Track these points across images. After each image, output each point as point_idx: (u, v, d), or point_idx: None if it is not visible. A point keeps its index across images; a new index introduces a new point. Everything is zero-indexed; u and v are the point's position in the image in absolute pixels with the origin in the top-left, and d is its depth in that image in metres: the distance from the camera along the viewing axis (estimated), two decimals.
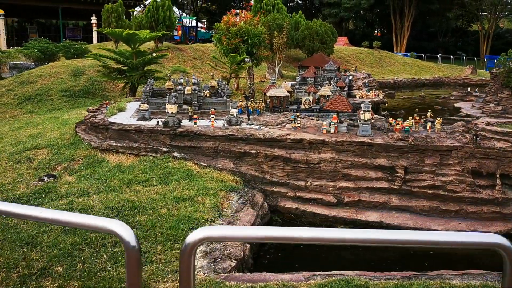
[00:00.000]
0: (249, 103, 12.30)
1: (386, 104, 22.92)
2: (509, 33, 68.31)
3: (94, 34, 50.08)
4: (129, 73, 16.93)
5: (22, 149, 11.31)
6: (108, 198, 8.88)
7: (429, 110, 19.92)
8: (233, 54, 18.52)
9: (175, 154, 10.63)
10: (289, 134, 10.43)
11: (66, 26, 65.43)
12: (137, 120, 11.51)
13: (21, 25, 68.93)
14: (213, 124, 11.04)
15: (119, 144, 10.77)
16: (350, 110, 10.26)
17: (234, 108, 11.31)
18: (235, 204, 9.17)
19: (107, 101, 13.28)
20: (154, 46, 26.60)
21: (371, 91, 23.20)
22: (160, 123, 10.95)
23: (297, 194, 10.09)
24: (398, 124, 10.37)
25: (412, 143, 9.85)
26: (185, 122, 11.43)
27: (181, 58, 26.40)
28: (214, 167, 10.40)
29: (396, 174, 9.86)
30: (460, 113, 23.38)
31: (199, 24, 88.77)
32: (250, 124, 11.42)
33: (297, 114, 10.80)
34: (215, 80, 14.10)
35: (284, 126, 11.22)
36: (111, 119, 11.69)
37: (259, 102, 12.30)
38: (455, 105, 25.64)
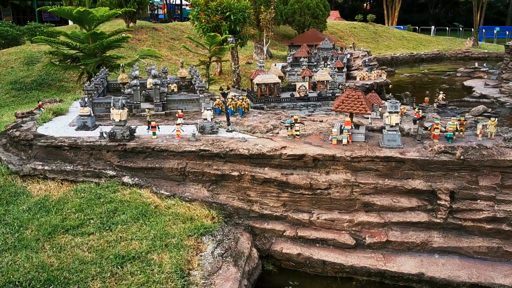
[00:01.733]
0: (230, 99, 9.02)
1: (390, 86, 19.71)
2: (500, 1, 64.77)
3: None
4: (84, 61, 13.53)
5: None
6: (14, 262, 5.69)
7: (440, 92, 16.82)
8: (212, 33, 15.08)
9: (126, 179, 7.40)
10: (284, 147, 7.23)
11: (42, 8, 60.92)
12: (77, 129, 8.22)
13: None
14: (178, 135, 7.78)
15: (47, 167, 7.50)
16: (369, 112, 7.09)
17: (208, 109, 8.05)
18: (209, 260, 6.04)
19: (41, 102, 9.93)
20: (126, 26, 22.98)
21: (372, 71, 19.97)
22: (105, 134, 7.67)
23: (299, 233, 6.97)
24: (437, 128, 7.16)
25: (461, 157, 6.70)
26: (144, 129, 8.18)
27: (156, 39, 22.86)
28: (181, 197, 7.21)
29: (438, 201, 6.75)
30: (474, 93, 20.16)
31: (184, 2, 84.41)
32: (231, 131, 8.19)
33: (295, 117, 7.58)
34: (186, 69, 10.78)
35: (277, 133, 7.99)
36: (42, 128, 8.38)
37: (242, 99, 9.04)
38: (464, 83, 22.30)
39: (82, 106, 8.25)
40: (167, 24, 27.81)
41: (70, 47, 13.80)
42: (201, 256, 6.14)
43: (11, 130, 8.22)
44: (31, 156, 7.76)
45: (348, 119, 7.29)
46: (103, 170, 7.47)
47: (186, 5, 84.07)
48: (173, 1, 77.82)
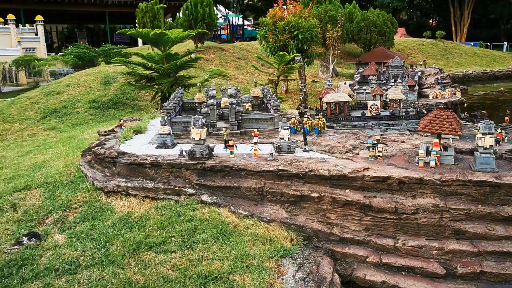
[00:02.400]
0: (305, 119, 8.89)
1: (465, 105, 18.82)
2: None
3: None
4: (159, 81, 13.93)
5: (11, 190, 8.44)
6: (101, 277, 5.80)
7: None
8: (281, 53, 15.12)
9: (205, 197, 7.41)
10: (367, 168, 6.97)
11: (114, 30, 64.19)
12: (157, 147, 8.38)
13: (71, 31, 68.38)
14: (256, 154, 7.73)
15: (129, 184, 7.67)
16: (460, 133, 6.69)
17: (285, 128, 7.95)
18: (291, 284, 5.87)
19: (122, 120, 10.24)
20: (194, 47, 23.62)
21: (446, 89, 19.17)
22: (184, 153, 7.76)
23: (383, 259, 6.63)
24: None
25: None
26: (220, 148, 8.20)
27: (223, 59, 23.28)
28: (259, 217, 7.10)
29: None
30: None
31: (246, 22, 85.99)
32: (308, 151, 8.03)
33: (377, 138, 7.32)
34: (259, 88, 10.79)
35: (358, 154, 7.74)
36: (124, 146, 8.62)
37: (319, 118, 8.88)
38: None
39: (162, 125, 8.42)
40: (233, 44, 28.33)
41: (146, 67, 14.27)
42: (282, 279, 5.98)
43: (96, 148, 8.52)
44: (114, 173, 7.98)
45: (436, 140, 6.93)
46: (182, 188, 7.54)
47: (248, 25, 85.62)
48: (235, 22, 79.38)
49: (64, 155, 10.52)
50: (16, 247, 6.67)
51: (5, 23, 32.17)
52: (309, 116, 8.99)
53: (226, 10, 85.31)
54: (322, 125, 9.04)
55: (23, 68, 27.41)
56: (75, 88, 18.38)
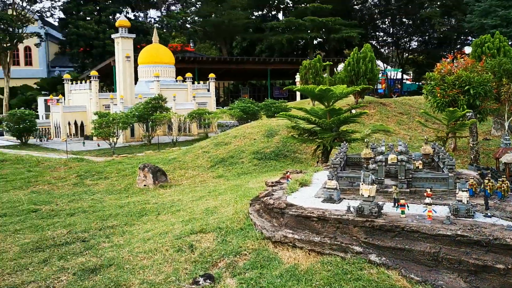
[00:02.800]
0: (486, 181, 8.18)
1: None
2: None
3: (298, 93, 50.31)
4: (321, 135, 14.22)
5: (188, 231, 9.25)
6: None
7: None
8: (452, 109, 14.36)
9: (373, 257, 7.16)
10: None
11: (273, 86, 68.21)
12: (323, 201, 8.45)
13: (236, 86, 74.39)
14: (429, 216, 7.29)
15: (296, 236, 7.81)
16: None
17: (463, 190, 7.39)
18: None
19: (288, 172, 10.60)
20: (354, 101, 23.78)
21: None
22: (352, 209, 7.67)
23: None
24: None
25: None
26: (388, 207, 7.94)
27: (384, 114, 22.94)
28: (433, 285, 6.59)
29: None
30: None
31: (405, 76, 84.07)
32: (490, 216, 7.32)
33: None
34: (430, 146, 10.31)
35: None
36: (291, 198, 8.89)
37: (502, 181, 8.09)
38: None
39: (329, 179, 8.51)
40: (395, 99, 27.83)
41: (309, 121, 14.72)
42: None
43: (264, 198, 8.93)
44: (282, 223, 8.22)
45: None
46: (349, 245, 7.41)
47: (407, 79, 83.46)
48: (393, 76, 78.12)
49: (233, 202, 11.23)
50: (193, 286, 7.19)
51: (183, 80, 36.47)
52: (490, 178, 8.25)
53: (385, 64, 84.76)
54: (506, 188, 8.20)
55: (196, 120, 30.51)
56: (241, 140, 19.73)
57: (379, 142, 12.12)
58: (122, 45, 28.37)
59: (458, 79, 17.15)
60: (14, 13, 55.16)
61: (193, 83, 35.13)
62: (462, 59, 17.70)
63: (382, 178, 9.07)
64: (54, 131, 31.57)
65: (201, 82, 37.48)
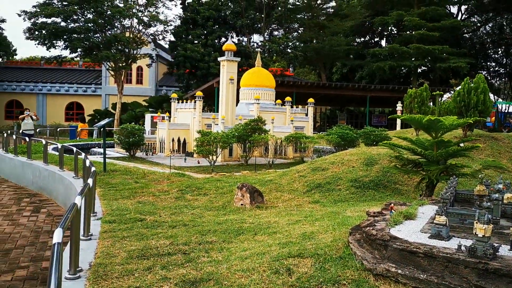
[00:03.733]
0: None
1: None
2: None
3: (398, 121, 48.82)
4: (427, 167, 13.63)
5: (286, 254, 9.29)
6: None
7: None
8: None
9: None
10: None
11: (372, 113, 66.84)
12: (430, 237, 8.06)
13: (333, 112, 74.04)
14: None
15: (400, 271, 7.51)
16: None
17: None
18: None
19: (392, 204, 10.27)
20: (462, 134, 22.54)
21: None
22: (463, 248, 7.23)
23: None
24: None
25: None
26: (504, 249, 7.37)
27: (495, 149, 21.44)
28: None
29: None
30: None
31: None
32: None
33: None
34: None
35: None
36: (394, 230, 8.59)
37: None
38: None
39: (438, 215, 8.11)
40: (508, 134, 25.93)
41: (414, 152, 14.20)
42: None
43: (367, 228, 8.73)
44: (384, 256, 7.96)
45: None
46: (458, 287, 6.97)
47: None
48: (504, 109, 73.00)
49: (331, 230, 11.10)
50: None
51: (282, 104, 37.07)
52: None
53: (495, 96, 79.71)
54: None
55: (292, 144, 30.76)
56: (339, 166, 19.51)
57: (496, 179, 11.36)
58: (227, 68, 29.60)
59: None
60: (131, 36, 59.98)
61: (291, 107, 35.53)
62: None
63: (498, 218, 8.46)
64: (159, 146, 33.57)
65: (300, 106, 37.80)
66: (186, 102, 34.17)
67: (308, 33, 74.59)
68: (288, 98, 35.77)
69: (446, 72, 73.17)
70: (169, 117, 33.57)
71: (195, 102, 32.30)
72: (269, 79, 36.13)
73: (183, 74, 67.37)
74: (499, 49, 79.17)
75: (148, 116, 43.81)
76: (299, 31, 78.73)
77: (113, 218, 14.13)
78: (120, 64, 59.81)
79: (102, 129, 23.05)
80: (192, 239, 11.81)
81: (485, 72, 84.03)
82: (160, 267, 9.64)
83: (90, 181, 12.51)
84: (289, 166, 27.20)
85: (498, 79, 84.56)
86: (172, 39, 70.77)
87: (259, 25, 71.36)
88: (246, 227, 12.93)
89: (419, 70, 75.82)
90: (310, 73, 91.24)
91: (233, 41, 75.01)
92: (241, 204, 16.33)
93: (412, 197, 16.80)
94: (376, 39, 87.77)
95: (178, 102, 35.59)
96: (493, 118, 67.84)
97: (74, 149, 21.93)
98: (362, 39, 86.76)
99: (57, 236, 6.37)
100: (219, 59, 31.13)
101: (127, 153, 30.84)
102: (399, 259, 7.81)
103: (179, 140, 32.76)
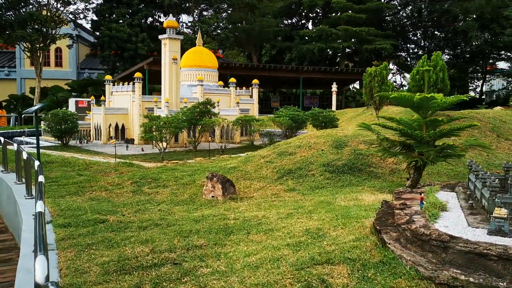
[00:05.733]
0: None
1: None
2: None
3: (334, 102, 48.78)
4: (419, 149, 12.55)
5: (309, 261, 7.68)
6: None
7: None
8: None
9: None
10: None
11: (304, 95, 66.66)
12: (489, 233, 6.82)
13: (265, 94, 72.97)
14: None
15: (471, 279, 6.19)
16: None
17: None
18: None
19: (422, 193, 8.97)
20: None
21: None
22: None
23: None
24: None
25: None
26: None
27: (473, 128, 21.15)
28: None
29: None
30: None
31: None
32: None
33: None
34: None
35: None
36: (440, 226, 7.29)
37: None
38: None
39: (498, 207, 6.88)
40: (484, 111, 25.66)
41: (402, 133, 13.10)
42: None
43: (409, 225, 7.33)
44: (444, 260, 6.61)
45: None
46: None
47: None
48: None
49: (340, 225, 9.66)
50: None
51: (224, 86, 35.15)
52: None
53: None
54: None
55: (240, 127, 29.03)
56: (307, 150, 18.17)
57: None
58: (170, 47, 27.12)
59: None
60: (48, 14, 54.64)
61: (235, 88, 33.70)
62: None
63: None
64: (94, 133, 30.37)
65: (244, 88, 36.05)
66: (123, 85, 31.08)
67: (238, 14, 72.49)
68: (232, 79, 33.85)
69: (372, 54, 74.67)
70: (103, 101, 30.36)
71: (133, 84, 29.41)
72: (212, 60, 33.95)
73: (108, 56, 62.67)
74: (418, 32, 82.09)
75: (72, 101, 39.93)
76: (229, 11, 76.33)
77: (67, 221, 11.70)
78: (37, 45, 54.24)
79: (34, 115, 19.88)
80: (174, 243, 9.84)
81: (405, 53, 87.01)
82: (151, 285, 7.65)
83: (41, 178, 10.07)
84: (242, 151, 25.56)
85: (416, 60, 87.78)
86: (95, 18, 65.55)
87: (187, 5, 68.10)
88: (232, 224, 11.14)
89: (347, 51, 76.69)
90: (238, 55, 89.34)
91: (160, 21, 71.15)
92: (212, 196, 14.47)
93: (389, 180, 15.89)
94: (303, 21, 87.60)
95: (114, 85, 32.35)
96: None
97: (1, 138, 18.62)
98: (290, 21, 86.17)
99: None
100: (160, 37, 28.43)
101: (59, 142, 27.49)
102: (465, 264, 6.48)
103: (117, 126, 29.81)
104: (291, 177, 16.35)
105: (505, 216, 6.80)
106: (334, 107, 46.94)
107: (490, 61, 79.06)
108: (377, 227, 8.17)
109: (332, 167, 16.59)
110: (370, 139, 18.55)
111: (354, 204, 11.66)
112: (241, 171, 17.44)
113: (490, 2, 62.06)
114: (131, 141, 28.86)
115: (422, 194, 8.44)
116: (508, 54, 71.78)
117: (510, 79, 73.32)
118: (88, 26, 72.15)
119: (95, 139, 30.08)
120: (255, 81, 33.71)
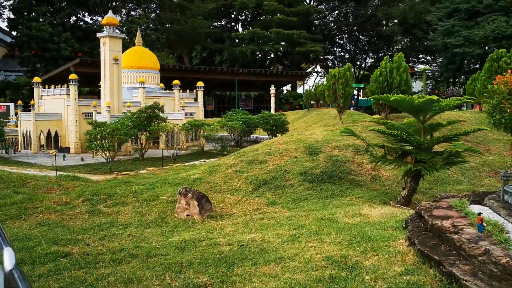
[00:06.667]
0: None
1: None
2: None
3: (272, 104, 47.83)
4: (420, 156, 11.40)
5: None
6: None
7: None
8: None
9: None
10: None
11: (239, 97, 65.22)
12: None
13: None
14: None
15: None
16: None
17: None
18: None
19: (481, 214, 7.61)
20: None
21: None
22: None
23: None
24: None
25: None
26: None
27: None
28: None
29: None
30: None
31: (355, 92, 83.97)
32: None
33: None
34: None
35: None
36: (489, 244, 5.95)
37: None
38: None
39: None
40: (466, 115, 25.34)
41: (402, 139, 11.91)
42: None
43: (484, 257, 5.91)
44: None
45: None
46: None
47: (358, 95, 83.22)
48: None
49: (369, 250, 8.09)
50: None
51: (166, 88, 32.64)
52: None
53: None
54: None
55: (190, 133, 26.81)
56: (278, 158, 16.57)
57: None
58: (110, 46, 24.31)
59: None
60: None
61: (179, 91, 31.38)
62: None
63: None
64: (22, 141, 26.59)
65: (188, 90, 33.75)
66: (55, 88, 27.52)
67: (169, 15, 69.44)
68: (176, 82, 31.41)
69: (303, 56, 75.00)
70: (32, 106, 26.70)
71: (67, 87, 26.09)
72: (153, 61, 31.34)
73: (28, 57, 57.13)
74: (344, 36, 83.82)
75: None
76: (158, 12, 72.93)
77: (19, 256, 9.12)
78: None
79: None
80: (168, 282, 7.76)
81: (332, 56, 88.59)
82: None
83: None
84: (194, 158, 23.50)
85: (342, 64, 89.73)
86: (12, 16, 59.55)
87: (114, 4, 64.04)
88: (228, 252, 9.21)
89: (278, 54, 76.38)
90: (168, 57, 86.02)
91: (85, 21, 66.25)
92: (187, 215, 12.39)
93: (372, 189, 14.68)
94: (233, 23, 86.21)
95: (45, 88, 28.60)
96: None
97: None
98: (220, 23, 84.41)
99: None
100: (98, 35, 25.44)
101: None
102: None
103: (49, 133, 26.30)
104: (267, 188, 14.66)
105: None
106: (273, 110, 45.91)
107: (410, 64, 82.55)
108: (435, 257, 6.70)
109: (310, 176, 15.12)
110: (344, 144, 17.37)
111: (362, 221, 10.20)
112: (208, 183, 15.45)
113: (413, 8, 64.64)
114: (66, 149, 25.56)
115: (481, 215, 7.07)
116: (428, 57, 75.55)
117: (428, 82, 76.89)
118: (3, 25, 65.54)
119: (24, 148, 26.32)
120: (200, 83, 31.58)
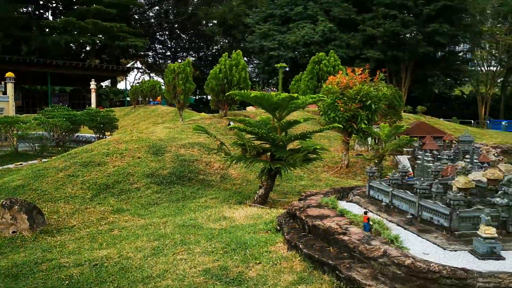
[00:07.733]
0: None
1: None
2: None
3: (93, 100, 44.31)
4: (279, 154, 11.13)
5: None
6: None
7: None
8: (398, 124, 13.19)
9: None
10: None
11: (52, 92, 58.48)
12: (482, 258, 5.73)
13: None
14: None
15: None
16: None
17: None
18: None
19: (367, 212, 7.32)
20: (222, 114, 20.93)
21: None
22: None
23: None
24: None
25: None
26: None
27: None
28: None
29: None
30: None
31: None
32: None
33: None
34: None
35: None
36: (418, 253, 5.86)
37: None
38: None
39: (485, 225, 5.84)
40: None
41: (258, 136, 11.50)
42: None
43: (384, 259, 5.62)
44: None
45: None
46: None
47: None
48: None
49: (249, 259, 7.28)
50: None
51: None
52: None
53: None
54: None
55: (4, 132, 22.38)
56: (119, 159, 14.70)
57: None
58: None
59: (358, 93, 16.29)
60: None
61: None
62: (358, 74, 16.96)
63: None
64: None
65: None
66: None
67: None
68: None
69: (122, 51, 71.24)
70: None
71: None
72: None
73: None
74: (165, 33, 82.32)
75: None
76: None
77: None
78: None
79: None
80: None
81: (152, 53, 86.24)
82: None
83: None
84: (7, 161, 19.74)
85: (163, 60, 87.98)
86: None
87: None
88: (79, 275, 7.47)
89: (96, 47, 70.93)
90: None
91: None
92: (13, 232, 9.88)
93: (223, 188, 14.00)
94: (41, 11, 76.98)
95: None
96: (159, 98, 70.21)
97: None
98: (26, 9, 74.53)
99: None
100: None
101: None
102: None
103: None
104: (110, 193, 12.79)
105: (495, 235, 5.81)
106: (94, 106, 42.31)
107: None
108: (328, 261, 6.23)
109: (157, 177, 13.74)
110: (189, 142, 16.37)
111: (228, 225, 9.38)
112: (35, 190, 12.81)
113: (232, 10, 66.78)
114: None
115: (368, 214, 6.86)
116: (245, 58, 79.26)
117: None
118: None
119: None
120: (10, 74, 26.83)
